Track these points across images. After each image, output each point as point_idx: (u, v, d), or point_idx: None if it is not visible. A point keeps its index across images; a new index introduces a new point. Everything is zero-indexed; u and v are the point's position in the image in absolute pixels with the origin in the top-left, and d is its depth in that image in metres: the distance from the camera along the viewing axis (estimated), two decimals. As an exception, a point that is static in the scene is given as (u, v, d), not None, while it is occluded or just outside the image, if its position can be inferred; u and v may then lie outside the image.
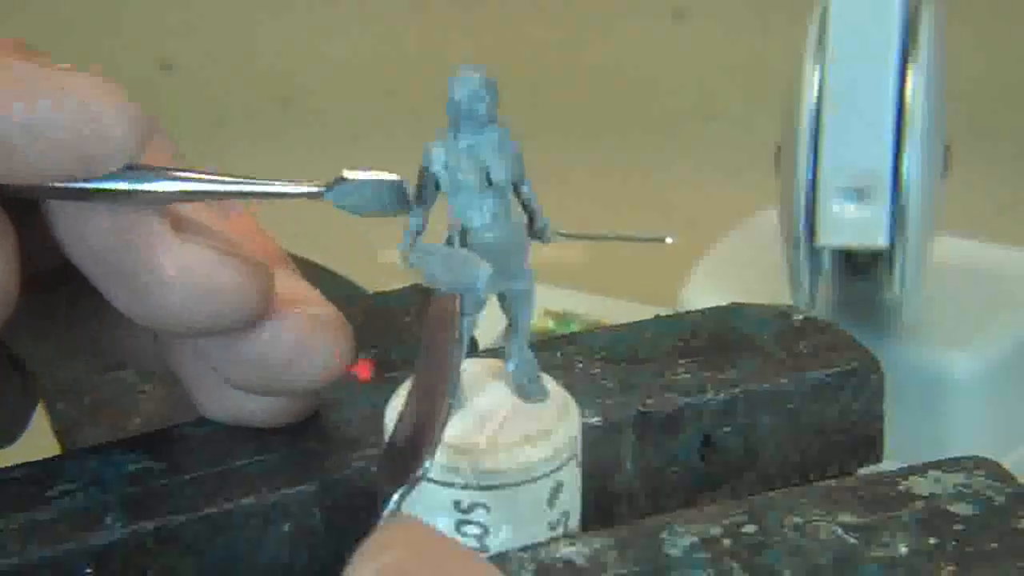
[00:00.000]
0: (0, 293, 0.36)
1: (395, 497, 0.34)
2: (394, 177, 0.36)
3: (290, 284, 0.39)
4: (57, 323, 0.41)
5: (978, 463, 0.39)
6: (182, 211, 0.38)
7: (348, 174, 0.37)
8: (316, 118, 1.20)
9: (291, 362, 0.38)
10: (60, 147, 0.35)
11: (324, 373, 0.39)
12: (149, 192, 0.36)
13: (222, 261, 0.37)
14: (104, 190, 0.36)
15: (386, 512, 0.34)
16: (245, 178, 0.37)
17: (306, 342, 0.38)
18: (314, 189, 0.37)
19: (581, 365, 0.43)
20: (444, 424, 0.35)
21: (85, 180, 0.36)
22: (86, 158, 0.36)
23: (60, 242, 0.37)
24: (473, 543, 0.36)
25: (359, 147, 1.14)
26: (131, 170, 0.36)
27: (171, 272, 0.37)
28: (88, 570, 0.37)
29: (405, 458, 0.35)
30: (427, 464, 0.34)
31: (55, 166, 0.35)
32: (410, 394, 0.36)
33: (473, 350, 0.40)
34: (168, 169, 0.37)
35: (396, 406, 0.37)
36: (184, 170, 0.37)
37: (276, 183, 0.37)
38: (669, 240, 0.40)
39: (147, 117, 0.36)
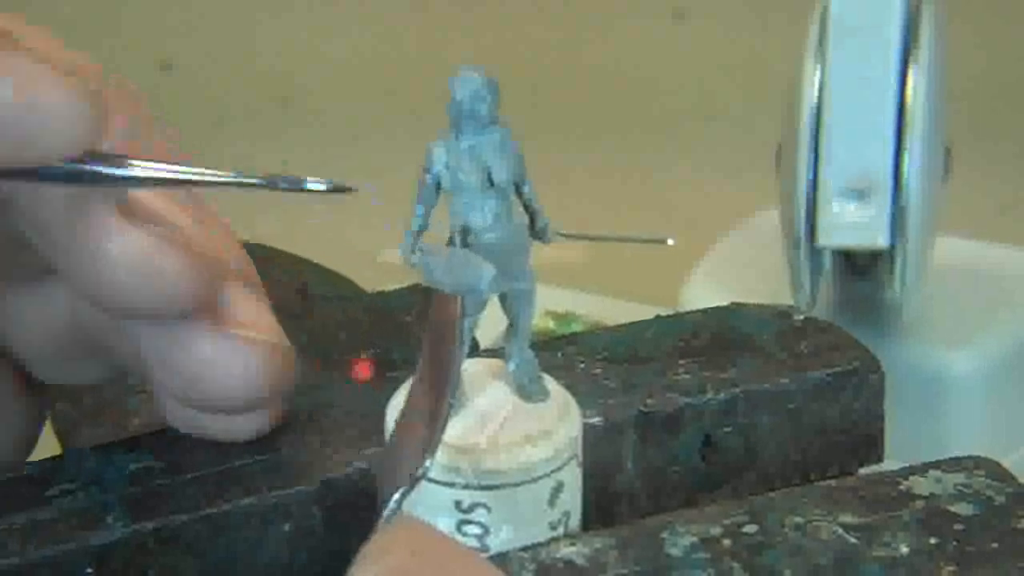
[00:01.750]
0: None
1: (395, 497, 0.34)
2: (325, 184, 0.36)
3: (237, 300, 0.39)
4: (54, 318, 0.41)
5: (978, 463, 0.39)
6: (141, 197, 0.38)
7: (311, 184, 0.37)
8: (316, 118, 1.20)
9: (203, 376, 0.39)
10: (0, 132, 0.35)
11: (241, 393, 0.39)
12: (103, 176, 0.37)
13: (165, 247, 0.37)
14: (60, 174, 0.36)
15: (386, 513, 0.34)
16: (201, 169, 0.37)
17: (219, 357, 0.38)
18: (258, 181, 0.37)
19: (582, 365, 0.43)
20: (444, 424, 0.35)
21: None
22: (27, 145, 0.35)
23: (17, 219, 0.38)
24: (474, 543, 0.36)
25: (359, 147, 1.14)
26: (89, 156, 0.36)
27: (113, 253, 0.37)
28: (89, 570, 0.37)
29: (405, 458, 0.35)
30: (427, 464, 0.34)
31: None
32: (410, 393, 0.36)
33: (474, 350, 0.40)
34: (125, 157, 0.37)
35: (396, 405, 0.37)
36: (144, 159, 0.37)
37: (225, 174, 0.37)
38: (670, 242, 0.40)
39: (99, 104, 0.36)
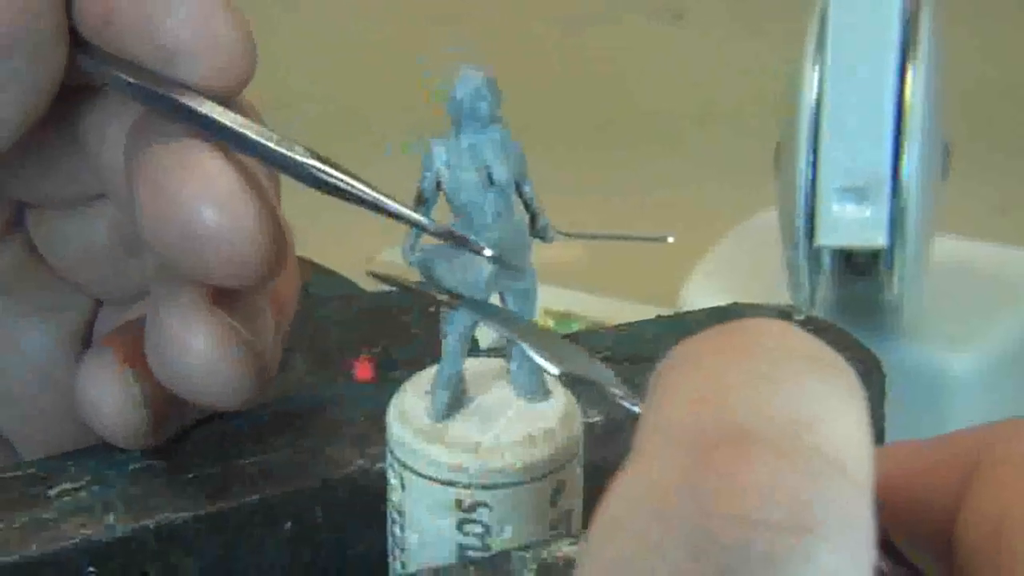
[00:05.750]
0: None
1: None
2: None
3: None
4: (95, 239, 0.42)
5: (979, 462, 0.39)
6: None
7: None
8: (315, 117, 1.20)
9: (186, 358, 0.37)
10: None
11: (228, 390, 0.37)
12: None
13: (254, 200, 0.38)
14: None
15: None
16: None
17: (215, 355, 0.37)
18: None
19: (582, 364, 0.43)
20: None
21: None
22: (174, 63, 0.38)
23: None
24: (475, 542, 0.36)
25: (359, 147, 1.14)
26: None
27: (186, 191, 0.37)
28: (90, 568, 0.37)
29: None
30: None
31: None
32: None
33: (474, 350, 0.40)
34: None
35: (397, 405, 0.37)
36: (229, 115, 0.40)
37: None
38: (670, 240, 0.40)
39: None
